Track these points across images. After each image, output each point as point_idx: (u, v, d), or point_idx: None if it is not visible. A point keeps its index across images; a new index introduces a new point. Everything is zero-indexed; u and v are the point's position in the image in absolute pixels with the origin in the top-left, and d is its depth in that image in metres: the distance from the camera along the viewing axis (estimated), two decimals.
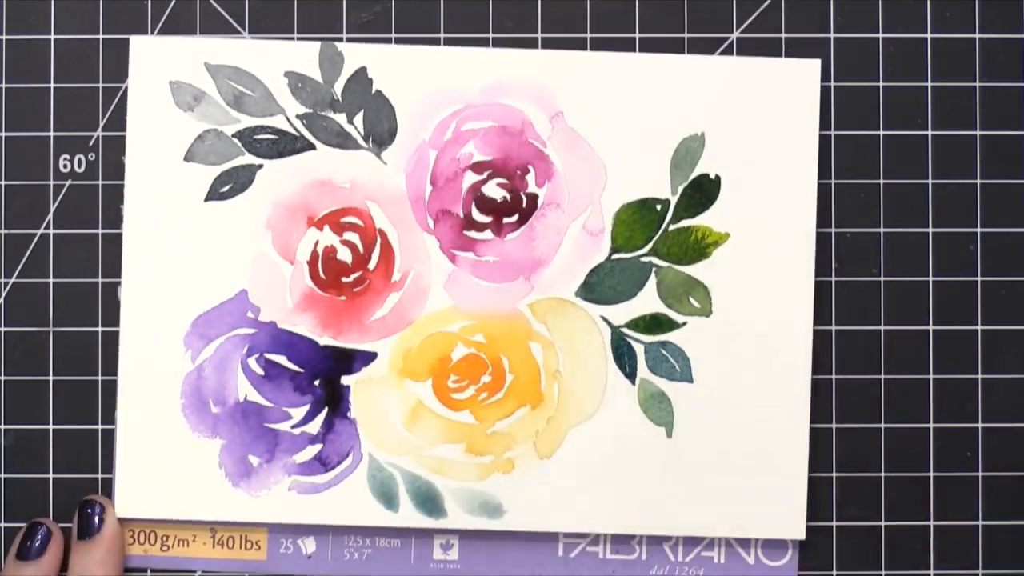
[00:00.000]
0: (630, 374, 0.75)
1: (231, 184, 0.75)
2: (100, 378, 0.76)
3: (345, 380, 0.75)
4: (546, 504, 0.75)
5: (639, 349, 0.75)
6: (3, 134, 0.76)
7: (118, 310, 0.75)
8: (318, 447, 0.75)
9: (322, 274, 0.75)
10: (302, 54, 0.75)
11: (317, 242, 0.75)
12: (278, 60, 0.75)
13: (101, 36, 0.76)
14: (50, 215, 0.76)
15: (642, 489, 0.75)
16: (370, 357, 0.75)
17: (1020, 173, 0.76)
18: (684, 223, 0.75)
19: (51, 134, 0.76)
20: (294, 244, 0.75)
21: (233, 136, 0.75)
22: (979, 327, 0.76)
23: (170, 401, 0.75)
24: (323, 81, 0.75)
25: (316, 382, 0.75)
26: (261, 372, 0.75)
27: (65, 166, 0.76)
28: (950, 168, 0.76)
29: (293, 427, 0.75)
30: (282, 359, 0.75)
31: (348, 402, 0.75)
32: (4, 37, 0.77)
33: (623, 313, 0.75)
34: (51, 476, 0.76)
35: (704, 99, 0.75)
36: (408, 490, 0.75)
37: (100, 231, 0.76)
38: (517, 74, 0.75)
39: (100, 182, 0.76)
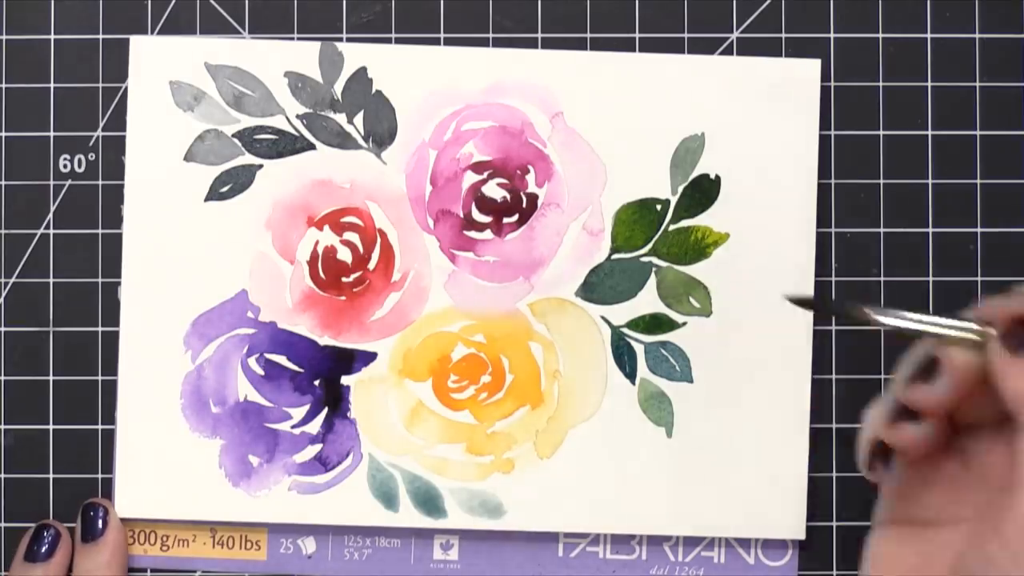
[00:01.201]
0: (630, 374, 0.75)
1: (231, 184, 0.75)
2: (100, 378, 0.76)
3: (345, 380, 0.75)
4: (546, 504, 0.75)
5: (639, 349, 0.75)
6: (3, 134, 0.76)
7: (118, 310, 0.75)
8: (318, 447, 0.75)
9: (322, 274, 0.75)
10: (302, 54, 0.75)
11: (317, 242, 0.75)
12: (278, 60, 0.75)
13: (101, 36, 0.76)
14: (50, 215, 0.76)
15: (642, 489, 0.75)
16: (370, 357, 0.75)
17: (1020, 173, 0.76)
18: (684, 223, 0.75)
19: (51, 134, 0.76)
20: (294, 244, 0.75)
21: (233, 136, 0.75)
22: None
23: (170, 401, 0.75)
24: (323, 81, 0.75)
25: (316, 382, 0.75)
26: (261, 372, 0.75)
27: (65, 166, 0.76)
28: (950, 168, 0.76)
29: (293, 427, 0.75)
30: (282, 359, 0.75)
31: (348, 402, 0.75)
32: (4, 37, 0.77)
33: (623, 313, 0.75)
34: (51, 476, 0.76)
35: (704, 99, 0.75)
36: (408, 490, 0.75)
37: (100, 231, 0.76)
38: (517, 74, 0.75)
39: (100, 182, 0.76)
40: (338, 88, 0.75)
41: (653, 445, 0.75)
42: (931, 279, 0.76)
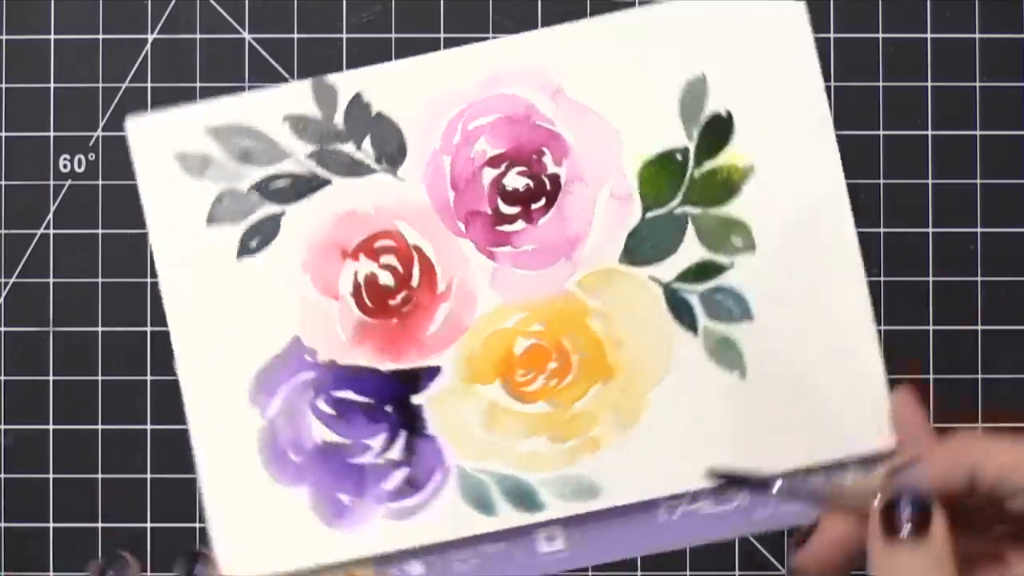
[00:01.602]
0: (691, 326, 0.75)
1: (259, 237, 0.74)
2: (100, 378, 0.76)
3: (416, 400, 0.74)
4: (638, 474, 0.74)
5: (694, 300, 0.75)
6: (3, 134, 0.76)
7: (118, 310, 0.76)
8: (404, 471, 0.74)
9: (369, 303, 0.75)
10: (296, 96, 0.75)
11: (356, 273, 0.75)
12: (275, 107, 0.75)
13: (101, 36, 0.76)
14: (50, 215, 0.76)
15: (729, 436, 0.75)
16: (435, 372, 0.75)
17: (1020, 173, 0.78)
18: (707, 166, 0.76)
19: (51, 134, 0.76)
20: (334, 280, 0.75)
21: (249, 190, 0.75)
22: (979, 327, 0.77)
23: (249, 459, 0.74)
24: (323, 117, 0.75)
25: (388, 408, 0.74)
26: (332, 412, 0.74)
27: (65, 166, 0.76)
28: (950, 168, 0.78)
29: (376, 457, 0.74)
30: (349, 394, 0.74)
31: (424, 420, 0.74)
32: (4, 37, 0.76)
33: (670, 268, 0.75)
34: (51, 476, 0.76)
35: (698, 41, 0.75)
36: (501, 491, 0.74)
37: (100, 231, 0.76)
38: (510, 61, 0.75)
39: (100, 182, 0.76)
40: (339, 120, 0.75)
41: (730, 390, 0.75)
42: (931, 279, 0.77)
